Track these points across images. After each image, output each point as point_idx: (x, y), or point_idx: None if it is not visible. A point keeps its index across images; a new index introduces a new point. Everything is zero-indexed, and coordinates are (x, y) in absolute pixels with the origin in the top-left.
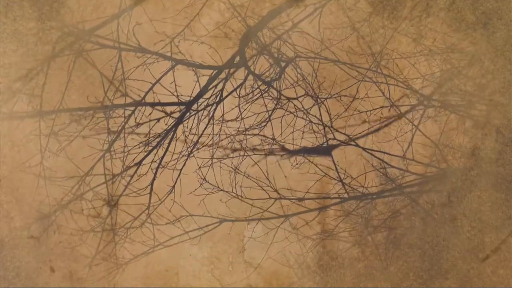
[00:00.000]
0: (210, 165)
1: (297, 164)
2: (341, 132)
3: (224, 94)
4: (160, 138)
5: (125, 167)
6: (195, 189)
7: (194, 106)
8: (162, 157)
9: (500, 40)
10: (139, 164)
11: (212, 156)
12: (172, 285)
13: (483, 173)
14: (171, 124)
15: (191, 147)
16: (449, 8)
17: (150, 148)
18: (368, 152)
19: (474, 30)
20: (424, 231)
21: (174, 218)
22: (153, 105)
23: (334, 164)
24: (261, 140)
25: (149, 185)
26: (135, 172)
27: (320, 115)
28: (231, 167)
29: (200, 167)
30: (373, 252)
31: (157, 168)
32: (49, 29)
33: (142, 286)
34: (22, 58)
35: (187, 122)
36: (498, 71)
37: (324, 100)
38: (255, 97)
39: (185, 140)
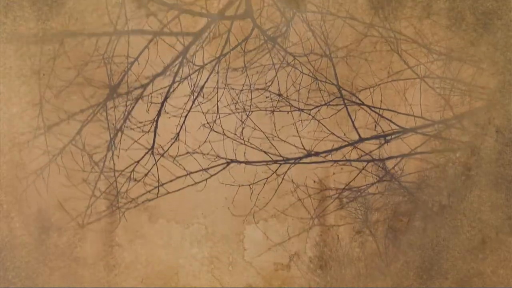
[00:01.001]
0: (215, 121)
1: (301, 124)
2: (347, 91)
3: (229, 46)
4: (168, 65)
5: (130, 88)
6: (206, 138)
7: (200, 62)
8: (167, 96)
9: (500, 40)
10: (145, 87)
11: (217, 108)
12: (172, 285)
13: (483, 173)
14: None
15: (196, 96)
16: (449, 8)
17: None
18: (375, 112)
19: (474, 30)
20: (424, 231)
21: (179, 157)
22: (159, 34)
23: (351, 119)
24: (266, 97)
25: (153, 121)
26: (141, 95)
27: (335, 73)
28: (235, 134)
29: (207, 122)
30: (373, 252)
31: (162, 104)
32: (49, 29)
33: (142, 286)
34: (22, 58)
35: (190, 78)
36: (498, 71)
37: (331, 57)
38: (262, 54)
39: (192, 92)
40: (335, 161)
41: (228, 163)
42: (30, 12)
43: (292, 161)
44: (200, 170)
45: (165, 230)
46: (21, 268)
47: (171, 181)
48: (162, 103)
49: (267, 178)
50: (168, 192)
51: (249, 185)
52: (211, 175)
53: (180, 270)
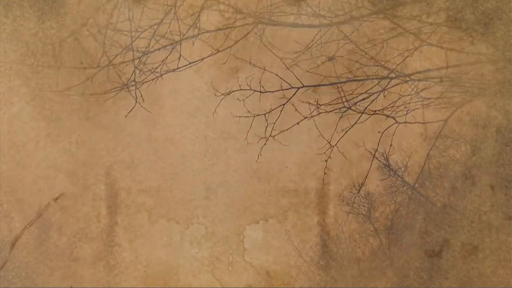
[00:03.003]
0: (224, 31)
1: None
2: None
3: None
4: None
5: None
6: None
7: None
8: None
9: (500, 40)
10: None
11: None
12: (172, 285)
13: (483, 173)
14: None
15: None
16: (449, 8)
17: None
18: (394, 23)
19: (474, 30)
20: (425, 230)
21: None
22: None
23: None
24: (286, 3)
25: None
26: None
27: None
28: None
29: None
30: (376, 248)
31: None
32: (49, 29)
33: (142, 286)
34: (22, 58)
35: None
36: (498, 71)
37: None
38: None
39: None
40: (354, 80)
41: (255, 25)
42: (30, 12)
43: (319, 28)
44: (221, 29)
45: (165, 230)
46: (21, 268)
47: (187, 37)
48: None
49: (283, 104)
50: (187, 64)
51: (264, 114)
52: (230, 46)
53: (180, 270)
